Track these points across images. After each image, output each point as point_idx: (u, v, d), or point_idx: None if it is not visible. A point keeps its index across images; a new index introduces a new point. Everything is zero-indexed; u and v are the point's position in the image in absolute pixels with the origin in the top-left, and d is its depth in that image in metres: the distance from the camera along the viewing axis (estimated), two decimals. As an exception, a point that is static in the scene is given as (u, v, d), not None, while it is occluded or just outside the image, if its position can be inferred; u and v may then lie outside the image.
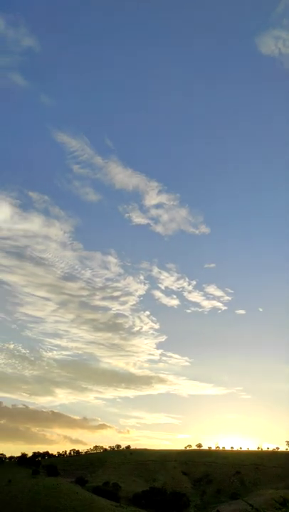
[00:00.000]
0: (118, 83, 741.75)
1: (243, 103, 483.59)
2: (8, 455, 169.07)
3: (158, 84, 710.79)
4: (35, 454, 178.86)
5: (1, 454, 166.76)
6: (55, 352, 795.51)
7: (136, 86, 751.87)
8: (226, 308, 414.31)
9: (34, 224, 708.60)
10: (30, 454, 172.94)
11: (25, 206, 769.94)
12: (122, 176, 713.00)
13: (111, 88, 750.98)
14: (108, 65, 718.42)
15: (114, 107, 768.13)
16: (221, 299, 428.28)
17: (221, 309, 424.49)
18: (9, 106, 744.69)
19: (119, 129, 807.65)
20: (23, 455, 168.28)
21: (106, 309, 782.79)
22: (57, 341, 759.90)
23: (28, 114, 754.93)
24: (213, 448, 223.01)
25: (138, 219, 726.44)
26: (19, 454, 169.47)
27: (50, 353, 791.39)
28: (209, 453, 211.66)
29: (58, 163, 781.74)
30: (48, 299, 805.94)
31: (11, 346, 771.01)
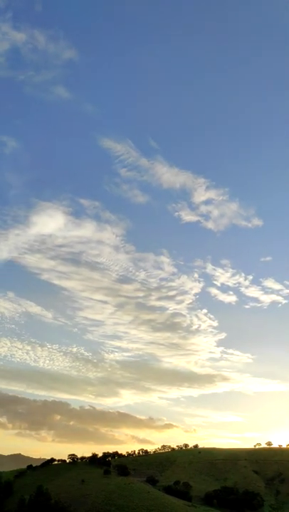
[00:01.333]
0: (156, 85, 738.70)
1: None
2: (79, 455, 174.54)
3: (198, 83, 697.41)
4: (106, 454, 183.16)
5: (73, 455, 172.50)
6: (116, 353, 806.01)
7: (174, 87, 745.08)
8: (286, 301, 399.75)
9: (87, 230, 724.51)
10: (100, 454, 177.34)
11: (77, 213, 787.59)
12: (169, 175, 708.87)
13: (150, 91, 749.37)
14: (146, 69, 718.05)
15: (156, 109, 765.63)
16: (281, 293, 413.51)
17: (281, 303, 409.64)
18: (55, 118, 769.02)
19: (162, 129, 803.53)
20: (94, 455, 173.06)
21: (163, 309, 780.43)
22: (117, 343, 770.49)
23: (73, 124, 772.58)
24: (284, 446, 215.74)
25: (188, 217, 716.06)
26: (90, 454, 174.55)
27: (111, 355, 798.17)
28: (280, 451, 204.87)
29: (105, 169, 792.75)
30: (105, 302, 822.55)
31: (74, 350, 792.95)
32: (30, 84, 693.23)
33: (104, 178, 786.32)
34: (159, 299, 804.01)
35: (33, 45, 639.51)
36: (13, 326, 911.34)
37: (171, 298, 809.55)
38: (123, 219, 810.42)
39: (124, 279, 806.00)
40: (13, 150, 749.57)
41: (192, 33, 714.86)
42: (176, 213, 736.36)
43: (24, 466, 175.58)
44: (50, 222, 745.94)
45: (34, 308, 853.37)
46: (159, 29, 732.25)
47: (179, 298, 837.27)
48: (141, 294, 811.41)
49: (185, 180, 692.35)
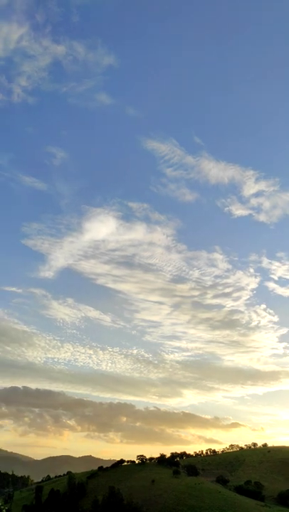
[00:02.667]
0: (195, 82, 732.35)
1: None
2: (147, 456, 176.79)
3: (236, 75, 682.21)
4: (174, 455, 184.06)
5: (142, 456, 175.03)
6: (176, 354, 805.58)
7: (213, 81, 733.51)
8: None
9: (138, 232, 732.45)
10: (168, 455, 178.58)
11: (127, 217, 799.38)
12: (216, 171, 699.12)
13: (189, 88, 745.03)
14: (183, 68, 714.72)
15: (197, 105, 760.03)
16: None
17: None
18: (99, 125, 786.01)
19: (205, 124, 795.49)
20: (162, 456, 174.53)
21: (220, 307, 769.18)
22: (176, 343, 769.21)
23: (117, 128, 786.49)
24: None
25: (238, 211, 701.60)
26: (158, 455, 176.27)
27: (171, 355, 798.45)
28: None
29: (151, 170, 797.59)
30: (161, 303, 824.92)
31: (134, 352, 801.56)
32: (73, 95, 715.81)
33: (151, 179, 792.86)
34: (215, 296, 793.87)
35: (73, 56, 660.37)
36: (74, 331, 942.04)
37: (227, 295, 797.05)
38: (173, 219, 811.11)
39: (179, 279, 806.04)
40: (62, 160, 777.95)
41: (232, 30, 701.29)
42: (227, 208, 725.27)
43: (95, 468, 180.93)
44: (101, 228, 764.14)
45: (93, 313, 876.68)
46: (195, 27, 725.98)
47: (235, 294, 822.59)
48: (196, 293, 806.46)
49: (233, 173, 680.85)
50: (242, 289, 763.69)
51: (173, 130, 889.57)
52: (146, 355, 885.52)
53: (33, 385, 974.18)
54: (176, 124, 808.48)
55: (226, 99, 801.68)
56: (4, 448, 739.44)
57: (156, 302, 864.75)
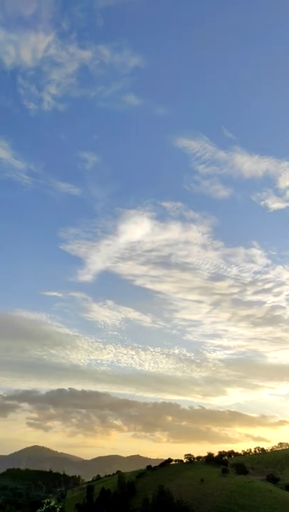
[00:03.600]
0: (221, 76, 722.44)
1: None
2: (195, 455, 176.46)
3: (264, 64, 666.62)
4: (222, 453, 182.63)
5: (189, 455, 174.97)
6: (218, 352, 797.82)
7: (241, 74, 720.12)
8: None
9: (173, 232, 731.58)
10: (215, 454, 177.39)
11: (161, 217, 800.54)
12: (250, 164, 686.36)
13: (216, 82, 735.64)
14: (210, 63, 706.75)
15: (225, 99, 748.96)
16: None
17: None
18: (129, 127, 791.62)
19: (236, 117, 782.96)
20: (210, 454, 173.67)
21: (260, 303, 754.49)
22: (218, 341, 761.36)
23: (147, 129, 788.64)
24: None
25: (275, 204, 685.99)
26: (205, 454, 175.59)
27: (214, 354, 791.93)
28: None
29: (183, 168, 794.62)
30: (200, 302, 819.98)
31: (176, 351, 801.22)
32: (102, 99, 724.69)
33: (184, 177, 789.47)
34: (255, 293, 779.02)
35: (100, 59, 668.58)
36: (115, 332, 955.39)
37: (268, 291, 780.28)
38: (208, 216, 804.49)
39: (217, 277, 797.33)
40: (94, 165, 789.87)
41: (258, 25, 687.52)
42: (262, 202, 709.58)
43: (143, 467, 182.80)
44: (136, 229, 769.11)
45: (133, 314, 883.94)
46: (219, 22, 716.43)
47: (276, 290, 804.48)
48: (236, 290, 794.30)
49: (267, 166, 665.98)
50: (283, 284, 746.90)
51: (203, 126, 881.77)
52: (188, 355, 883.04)
53: (78, 387, 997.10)
54: (205, 119, 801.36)
55: (255, 90, 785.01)
56: (54, 449, 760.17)
57: (195, 301, 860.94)
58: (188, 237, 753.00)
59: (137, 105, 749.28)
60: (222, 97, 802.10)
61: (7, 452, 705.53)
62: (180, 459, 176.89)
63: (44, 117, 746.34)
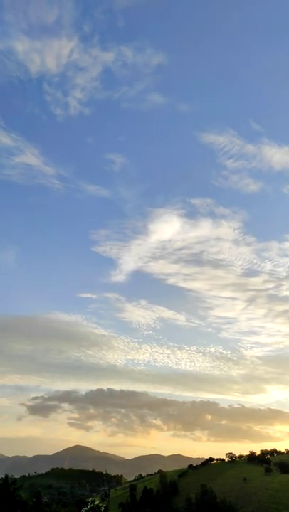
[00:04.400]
0: (246, 69, 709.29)
1: None
2: (236, 454, 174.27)
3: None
4: (264, 452, 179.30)
5: (231, 453, 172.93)
6: (255, 349, 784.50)
7: (264, 65, 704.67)
8: None
9: (204, 229, 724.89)
10: (258, 452, 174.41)
11: (191, 214, 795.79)
12: (279, 156, 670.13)
13: (242, 75, 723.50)
14: (232, 54, 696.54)
15: (251, 91, 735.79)
16: None
17: None
18: (155, 126, 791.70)
19: (262, 108, 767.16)
20: (252, 453, 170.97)
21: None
22: (254, 338, 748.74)
23: (172, 126, 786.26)
24: None
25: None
26: (247, 453, 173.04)
27: (251, 351, 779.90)
28: None
29: (211, 164, 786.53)
30: (235, 299, 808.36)
31: (212, 349, 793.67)
32: (126, 99, 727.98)
33: (212, 173, 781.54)
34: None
35: (122, 60, 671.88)
36: (150, 332, 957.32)
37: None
38: (238, 211, 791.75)
39: (250, 273, 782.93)
40: (121, 165, 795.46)
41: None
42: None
43: (184, 466, 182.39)
44: (167, 228, 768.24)
45: (167, 313, 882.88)
46: (241, 15, 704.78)
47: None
48: (271, 286, 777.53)
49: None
50: None
51: (229, 120, 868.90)
52: (224, 352, 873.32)
53: (116, 387, 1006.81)
54: (231, 113, 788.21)
55: (281, 80, 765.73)
56: (96, 448, 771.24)
57: (229, 298, 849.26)
58: (220, 234, 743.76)
59: (161, 103, 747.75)
60: (248, 90, 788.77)
61: (50, 452, 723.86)
62: (222, 457, 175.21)
63: (71, 122, 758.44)
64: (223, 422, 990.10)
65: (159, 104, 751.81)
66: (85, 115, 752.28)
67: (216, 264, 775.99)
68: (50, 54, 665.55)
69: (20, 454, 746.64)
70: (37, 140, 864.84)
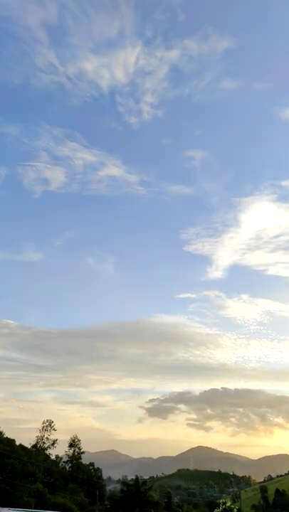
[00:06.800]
0: None
1: None
2: None
3: None
4: None
5: None
6: None
7: None
8: None
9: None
10: None
11: (283, 197, 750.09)
12: None
13: None
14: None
15: None
16: None
17: None
18: (229, 113, 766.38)
19: None
20: None
21: None
22: None
23: (249, 108, 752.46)
24: None
25: None
26: None
27: None
28: None
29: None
30: None
31: None
32: (197, 93, 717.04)
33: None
34: None
35: (188, 55, 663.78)
36: (257, 326, 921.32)
37: None
38: None
39: None
40: (202, 160, 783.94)
41: None
42: None
43: None
44: (259, 216, 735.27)
45: (272, 305, 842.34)
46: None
47: None
48: None
49: None
50: None
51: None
52: None
53: (230, 385, 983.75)
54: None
55: None
56: (219, 449, 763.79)
57: None
58: None
59: (234, 88, 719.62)
60: None
61: (174, 453, 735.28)
62: None
63: (146, 127, 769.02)
64: None
65: (231, 90, 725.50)
66: (158, 118, 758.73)
67: None
68: (118, 66, 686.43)
69: (146, 456, 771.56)
70: (117, 151, 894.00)
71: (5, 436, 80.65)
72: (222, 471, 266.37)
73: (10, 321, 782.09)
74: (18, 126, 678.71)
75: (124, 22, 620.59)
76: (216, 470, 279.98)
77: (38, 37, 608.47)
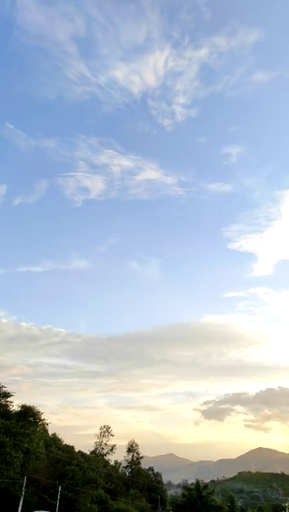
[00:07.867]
0: None
1: None
2: None
3: None
4: None
5: None
6: None
7: None
8: None
9: None
10: None
11: None
12: None
13: None
14: None
15: None
16: None
17: None
18: (265, 103, 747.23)
19: None
20: None
21: None
22: None
23: (284, 97, 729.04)
24: None
25: None
26: None
27: None
28: None
29: None
30: None
31: None
32: (229, 88, 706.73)
33: None
34: None
35: (217, 52, 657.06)
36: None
37: None
38: None
39: None
40: (239, 156, 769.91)
41: None
42: None
43: None
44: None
45: None
46: None
47: None
48: None
49: None
50: None
51: None
52: None
53: (287, 385, 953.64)
54: None
55: None
56: (281, 450, 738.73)
57: None
58: None
59: (266, 80, 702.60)
60: None
61: (234, 455, 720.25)
62: None
63: (180, 128, 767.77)
64: None
65: (264, 82, 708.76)
66: (192, 117, 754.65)
67: None
68: (148, 70, 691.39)
69: (205, 459, 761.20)
70: (153, 155, 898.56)
71: (64, 443, 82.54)
72: (285, 473, 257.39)
73: (61, 330, 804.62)
74: (56, 139, 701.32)
75: (151, 26, 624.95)
76: (279, 472, 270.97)
77: (69, 50, 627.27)
